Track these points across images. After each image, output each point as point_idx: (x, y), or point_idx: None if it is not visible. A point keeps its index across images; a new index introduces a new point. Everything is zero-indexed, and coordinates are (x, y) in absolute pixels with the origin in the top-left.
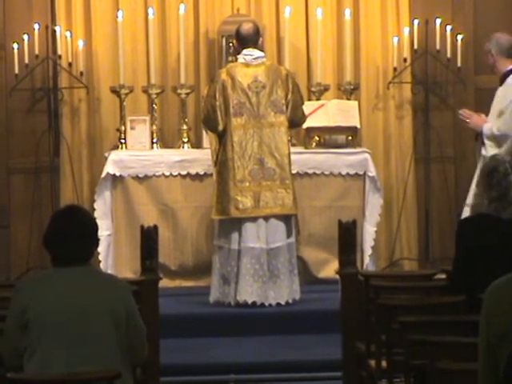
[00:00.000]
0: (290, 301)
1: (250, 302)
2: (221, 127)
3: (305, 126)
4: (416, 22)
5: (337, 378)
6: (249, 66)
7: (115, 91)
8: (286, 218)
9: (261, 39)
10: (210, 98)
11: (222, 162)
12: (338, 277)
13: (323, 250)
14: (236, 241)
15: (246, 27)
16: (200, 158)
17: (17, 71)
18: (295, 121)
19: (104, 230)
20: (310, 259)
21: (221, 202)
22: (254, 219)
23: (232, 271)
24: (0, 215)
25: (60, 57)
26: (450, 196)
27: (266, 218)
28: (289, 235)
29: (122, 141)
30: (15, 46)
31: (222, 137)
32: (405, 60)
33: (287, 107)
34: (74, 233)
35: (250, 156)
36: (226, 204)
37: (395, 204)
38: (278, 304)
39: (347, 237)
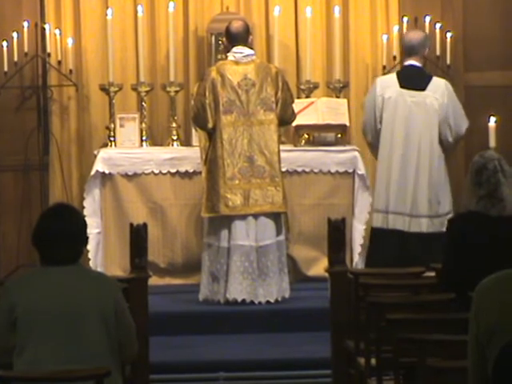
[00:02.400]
0: (280, 299)
1: (239, 299)
2: (210, 125)
3: (294, 123)
4: (405, 19)
5: (326, 375)
6: (238, 63)
7: (104, 89)
8: (276, 216)
9: (251, 37)
10: (199, 96)
11: (211, 160)
12: (327, 275)
13: (312, 248)
14: (226, 238)
15: (236, 25)
16: (189, 156)
17: (6, 69)
18: (285, 119)
19: (93, 228)
20: (300, 257)
21: (210, 200)
22: (243, 217)
23: (221, 269)
24: None
25: (49, 55)
26: None
27: (256, 216)
28: (278, 233)
29: (112, 139)
30: (4, 43)
31: (212, 135)
32: (394, 58)
33: (277, 105)
34: (62, 231)
35: (239, 154)
36: (216, 202)
37: None
38: (268, 302)
39: (336, 235)
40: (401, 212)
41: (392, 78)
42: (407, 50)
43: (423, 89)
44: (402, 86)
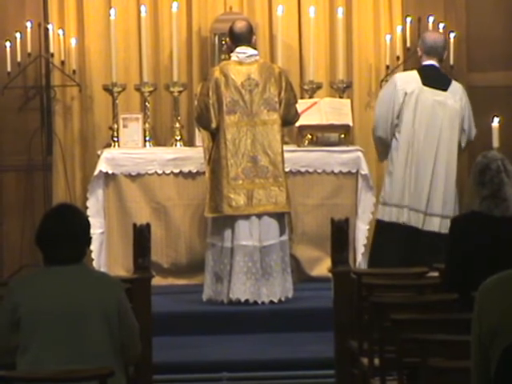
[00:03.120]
0: (283, 299)
1: (242, 299)
2: (214, 125)
3: (297, 124)
4: (408, 19)
5: (329, 375)
6: (242, 63)
7: (108, 89)
8: (279, 216)
9: (254, 37)
10: (203, 96)
11: (215, 160)
12: (330, 275)
13: (316, 248)
14: (229, 239)
15: (240, 25)
16: (193, 156)
17: (9, 69)
18: (288, 119)
19: (96, 228)
20: (303, 257)
21: (214, 200)
22: (246, 217)
23: (225, 269)
24: None
25: (52, 55)
26: None
27: (259, 216)
28: (282, 233)
29: (115, 139)
30: (7, 43)
31: (215, 135)
32: (397, 58)
33: (280, 105)
34: (66, 231)
35: (243, 154)
36: (219, 202)
37: None
38: (271, 302)
39: (340, 235)
40: (416, 209)
41: (413, 74)
42: (430, 50)
43: (445, 89)
44: (424, 84)
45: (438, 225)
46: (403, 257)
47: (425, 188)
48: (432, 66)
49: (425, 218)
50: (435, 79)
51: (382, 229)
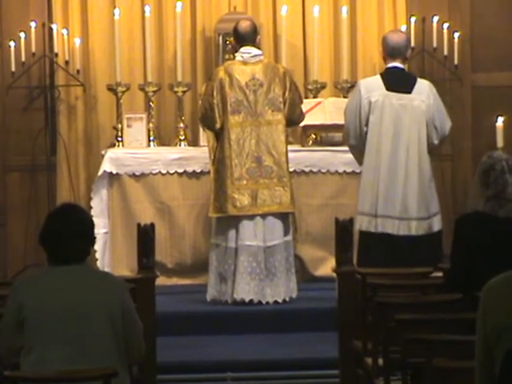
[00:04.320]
0: (287, 299)
1: (247, 300)
2: (218, 125)
3: (301, 123)
4: (413, 19)
5: (333, 376)
6: (246, 63)
7: (112, 89)
8: (284, 216)
9: (258, 37)
10: (207, 96)
11: (219, 160)
12: (334, 275)
13: (320, 248)
14: (233, 239)
15: (244, 25)
16: (197, 156)
17: (13, 69)
18: (293, 119)
19: (101, 228)
20: (307, 257)
21: (218, 200)
22: (251, 217)
23: (229, 269)
24: None
25: (57, 55)
26: (446, 194)
27: (264, 216)
28: (286, 233)
29: (119, 139)
30: (12, 43)
31: (220, 135)
32: None
33: (285, 105)
34: (70, 231)
35: (247, 154)
36: (224, 202)
37: None
38: (275, 302)
39: (344, 235)
40: (390, 215)
41: (376, 80)
42: (392, 52)
43: (409, 92)
44: (387, 89)
45: (414, 228)
46: (385, 262)
47: (398, 193)
48: (395, 68)
49: (400, 224)
50: (399, 83)
51: (361, 237)
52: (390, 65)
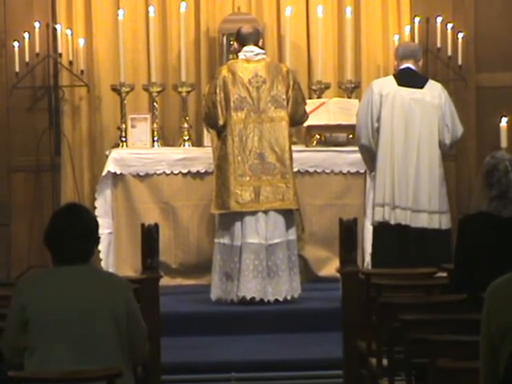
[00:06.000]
0: (289, 298)
1: (248, 297)
2: (221, 122)
3: (306, 124)
4: (417, 19)
5: (338, 376)
6: (249, 61)
7: (116, 89)
8: (287, 214)
9: (261, 40)
10: (210, 95)
11: (222, 157)
12: (338, 275)
13: (324, 249)
14: (238, 237)
15: (247, 26)
16: (201, 156)
17: (17, 69)
18: (297, 118)
19: (105, 229)
20: (311, 257)
21: (221, 197)
22: (253, 214)
23: (235, 268)
24: (1, 213)
25: (61, 55)
26: (450, 193)
27: (266, 213)
28: (289, 231)
29: (123, 139)
30: (16, 44)
31: (222, 132)
32: None
33: (288, 103)
34: (74, 231)
35: (250, 150)
36: (226, 198)
37: None
38: (277, 300)
39: (348, 235)
40: (404, 207)
41: (388, 79)
42: (404, 54)
43: (421, 87)
44: (399, 85)
45: (426, 220)
46: (398, 255)
47: (410, 185)
48: (407, 68)
49: (412, 215)
50: (410, 79)
51: (375, 231)
52: (402, 66)
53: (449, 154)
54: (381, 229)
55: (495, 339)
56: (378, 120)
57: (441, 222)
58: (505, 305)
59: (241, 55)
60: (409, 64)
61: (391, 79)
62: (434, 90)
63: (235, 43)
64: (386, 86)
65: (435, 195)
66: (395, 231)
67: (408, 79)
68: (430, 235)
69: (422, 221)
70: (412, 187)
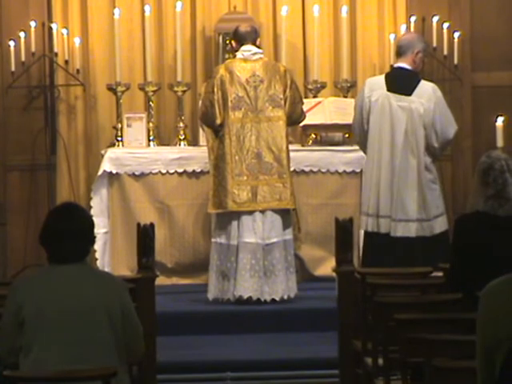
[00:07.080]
0: (285, 297)
1: (245, 297)
2: (219, 121)
3: (301, 123)
4: (413, 19)
5: (333, 375)
6: (247, 61)
7: (111, 89)
8: (284, 214)
9: (258, 39)
10: (207, 94)
11: (219, 156)
12: (334, 275)
13: (320, 248)
14: (235, 236)
15: (244, 25)
16: (197, 156)
17: (13, 69)
18: (294, 118)
19: (100, 228)
20: (307, 257)
21: (218, 196)
22: (250, 214)
23: (232, 267)
24: None
25: (56, 54)
26: (446, 193)
27: (263, 213)
28: (286, 231)
29: (119, 138)
30: (11, 43)
31: (219, 131)
32: None
33: (285, 103)
34: (70, 230)
35: (247, 150)
36: (223, 197)
37: None
38: (273, 300)
39: (344, 234)
40: (390, 216)
41: (380, 80)
42: (396, 50)
43: (409, 94)
44: (388, 89)
45: (413, 229)
46: (389, 262)
47: (395, 195)
48: (399, 68)
49: (398, 224)
50: (400, 83)
51: (365, 237)
52: (395, 65)
53: (442, 156)
54: (369, 236)
55: (491, 342)
56: (368, 123)
57: (432, 227)
58: (501, 307)
59: (238, 54)
60: (400, 63)
61: (382, 81)
62: (422, 95)
63: (233, 42)
64: (376, 90)
65: (424, 203)
66: (384, 238)
67: (398, 84)
68: (420, 242)
69: (410, 230)
70: (399, 197)
